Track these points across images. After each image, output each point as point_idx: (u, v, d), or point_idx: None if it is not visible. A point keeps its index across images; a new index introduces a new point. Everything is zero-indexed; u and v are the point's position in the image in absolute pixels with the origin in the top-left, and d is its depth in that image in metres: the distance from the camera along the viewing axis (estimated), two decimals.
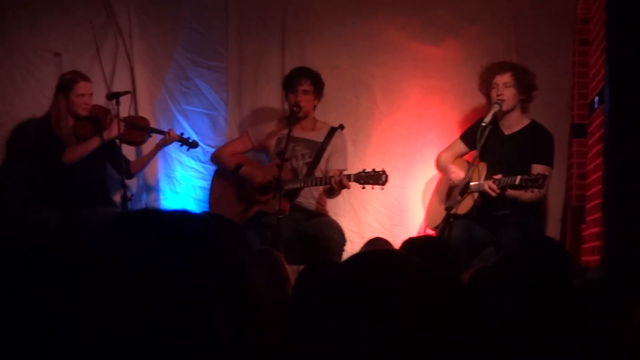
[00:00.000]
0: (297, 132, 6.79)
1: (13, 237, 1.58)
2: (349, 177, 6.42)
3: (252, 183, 6.75)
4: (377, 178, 6.40)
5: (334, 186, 6.43)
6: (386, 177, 6.40)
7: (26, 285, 1.48)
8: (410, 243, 3.92)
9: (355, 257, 1.97)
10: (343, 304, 1.85)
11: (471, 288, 3.56)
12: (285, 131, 6.73)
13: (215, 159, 7.06)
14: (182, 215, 1.42)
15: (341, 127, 6.89)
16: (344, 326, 1.81)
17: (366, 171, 6.42)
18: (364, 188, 6.47)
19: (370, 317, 1.82)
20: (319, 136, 6.87)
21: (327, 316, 1.85)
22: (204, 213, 5.21)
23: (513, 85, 6.49)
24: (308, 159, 6.81)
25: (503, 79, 6.49)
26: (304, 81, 6.74)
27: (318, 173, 6.77)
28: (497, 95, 6.47)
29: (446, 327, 2.02)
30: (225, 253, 1.41)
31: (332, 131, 6.87)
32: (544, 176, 6.09)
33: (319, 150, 6.81)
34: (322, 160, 6.82)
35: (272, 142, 6.88)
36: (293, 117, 6.70)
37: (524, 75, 6.53)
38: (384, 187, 6.44)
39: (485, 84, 6.60)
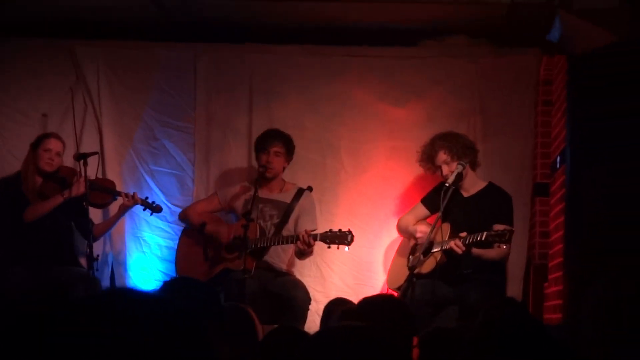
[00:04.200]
0: (265, 193, 6.84)
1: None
2: (315, 236, 6.45)
3: (217, 241, 6.78)
4: (343, 238, 6.43)
5: (301, 246, 6.45)
6: (352, 237, 6.43)
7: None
8: (366, 303, 3.95)
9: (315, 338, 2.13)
10: None
11: (424, 347, 3.63)
12: (252, 192, 6.80)
13: (183, 217, 7.08)
14: (156, 297, 1.52)
15: (309, 188, 6.92)
16: None
17: (332, 231, 6.46)
18: (329, 247, 6.51)
19: None
20: (286, 197, 6.91)
21: None
22: (172, 279, 5.18)
23: (452, 160, 6.57)
24: (276, 220, 6.84)
25: (442, 158, 6.59)
26: (276, 143, 6.81)
27: (286, 233, 6.78)
28: (444, 175, 6.57)
29: None
30: (191, 332, 1.51)
31: (300, 192, 6.92)
32: (511, 231, 6.16)
33: (286, 211, 6.85)
34: (291, 221, 6.85)
35: (240, 203, 6.91)
36: (261, 177, 6.75)
37: (456, 143, 6.59)
38: (349, 246, 6.47)
39: (432, 167, 6.71)
